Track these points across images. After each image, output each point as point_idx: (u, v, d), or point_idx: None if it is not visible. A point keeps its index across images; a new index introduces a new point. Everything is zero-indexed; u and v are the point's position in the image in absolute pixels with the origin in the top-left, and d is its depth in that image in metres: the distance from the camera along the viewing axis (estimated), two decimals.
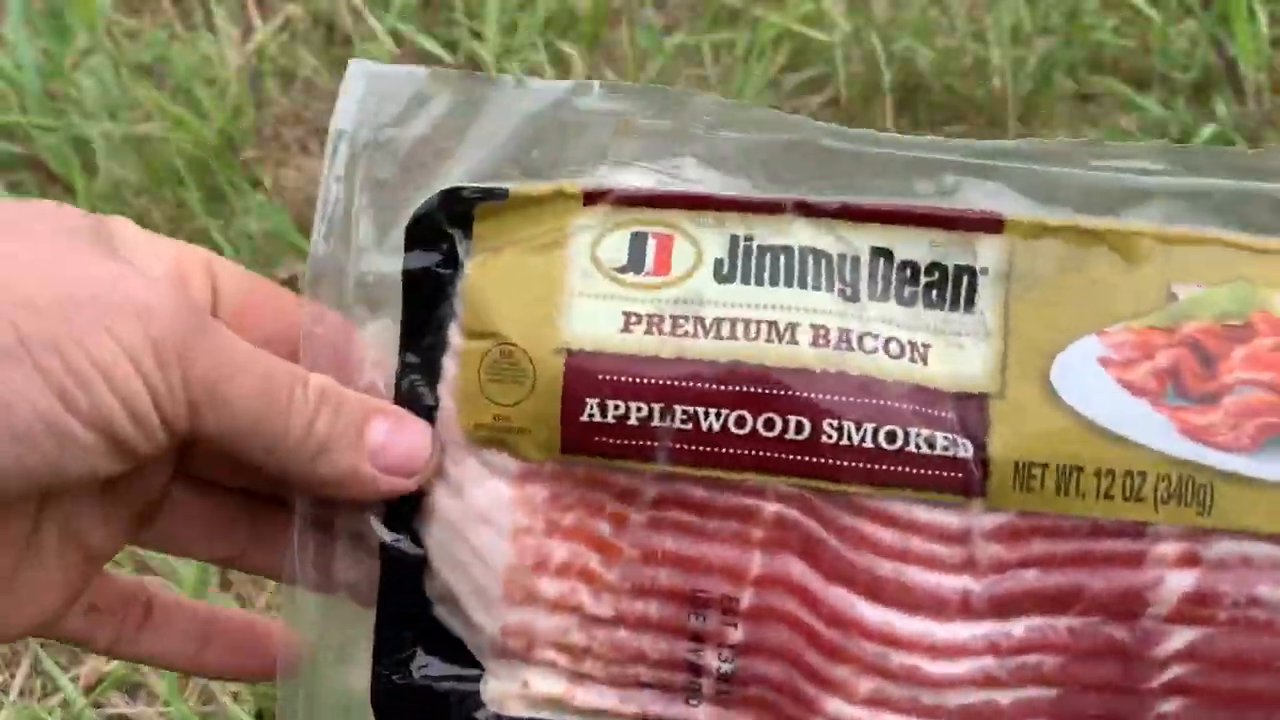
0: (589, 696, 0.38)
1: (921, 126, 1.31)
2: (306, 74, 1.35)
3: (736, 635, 0.36)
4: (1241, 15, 1.21)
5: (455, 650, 0.38)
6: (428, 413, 0.38)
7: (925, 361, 0.36)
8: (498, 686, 0.38)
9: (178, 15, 1.39)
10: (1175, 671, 0.35)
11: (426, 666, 0.38)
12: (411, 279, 0.38)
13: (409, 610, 0.38)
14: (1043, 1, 1.35)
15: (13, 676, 0.87)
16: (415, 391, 0.38)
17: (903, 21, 1.34)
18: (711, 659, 0.37)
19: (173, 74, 1.30)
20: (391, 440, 0.37)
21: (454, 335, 0.38)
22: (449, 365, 0.37)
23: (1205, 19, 1.29)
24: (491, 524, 0.37)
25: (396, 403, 0.38)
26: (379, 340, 0.38)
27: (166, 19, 1.39)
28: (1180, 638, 0.35)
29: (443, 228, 0.38)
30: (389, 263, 0.38)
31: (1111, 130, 1.26)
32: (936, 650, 0.36)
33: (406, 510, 0.38)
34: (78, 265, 0.33)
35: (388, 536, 0.38)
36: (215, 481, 0.40)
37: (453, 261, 0.38)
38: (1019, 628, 0.36)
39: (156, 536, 0.40)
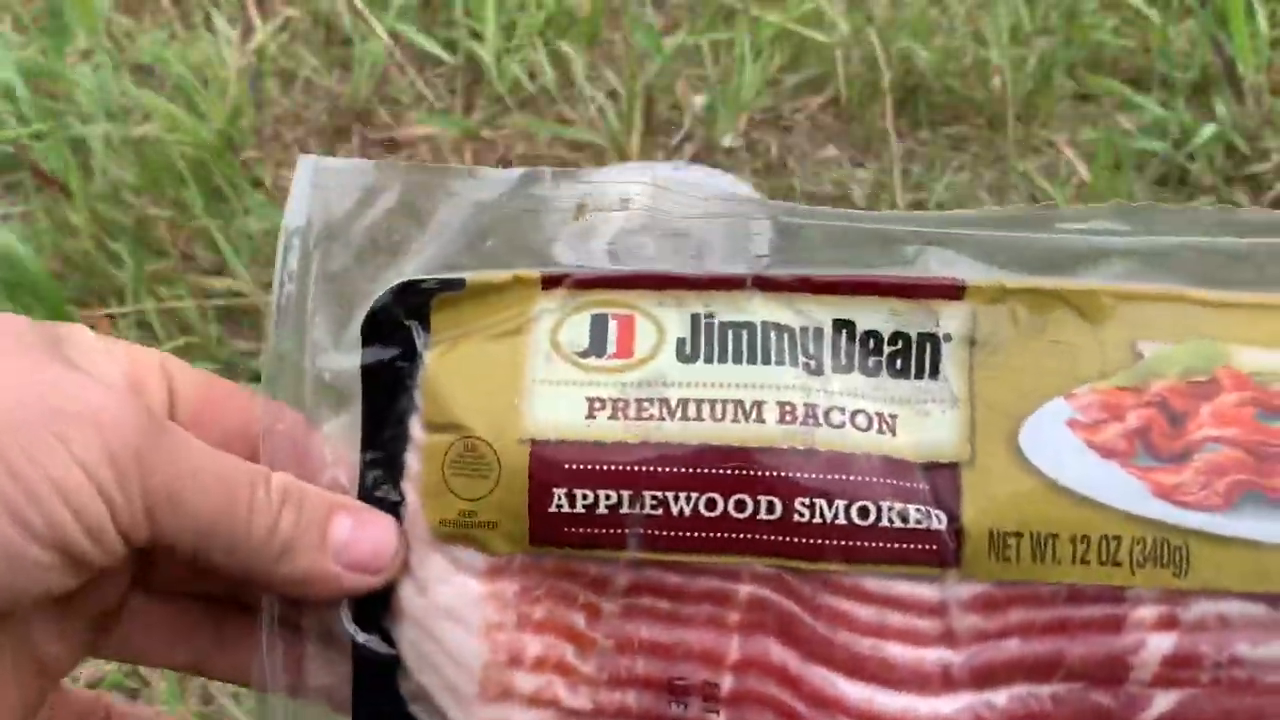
0: None
1: (921, 126, 1.31)
2: (306, 74, 1.35)
3: None
4: (1239, 15, 1.22)
5: None
6: (393, 509, 0.37)
7: (894, 432, 0.36)
8: None
9: (177, 15, 1.40)
10: None
11: None
12: (370, 374, 0.37)
13: (384, 711, 0.38)
14: (1042, 1, 1.35)
15: None
16: (379, 487, 0.37)
17: (902, 21, 1.35)
18: None
19: (172, 74, 1.30)
20: (355, 537, 0.36)
21: (416, 429, 0.37)
22: (412, 460, 0.37)
23: (1204, 19, 1.29)
24: (461, 621, 0.36)
25: (360, 499, 0.37)
26: (340, 437, 0.38)
27: (166, 19, 1.39)
28: (1164, 701, 0.35)
29: (400, 320, 0.37)
30: (347, 358, 0.37)
31: (1111, 130, 1.26)
32: None
33: (375, 609, 0.37)
34: (30, 375, 0.33)
35: (360, 637, 0.37)
36: (175, 588, 0.39)
37: (411, 354, 0.37)
38: (1002, 698, 0.35)
39: (115, 646, 0.39)
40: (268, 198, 1.23)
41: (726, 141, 1.33)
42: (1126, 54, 1.34)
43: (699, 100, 1.36)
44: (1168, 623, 0.34)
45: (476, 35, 1.38)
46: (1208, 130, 1.21)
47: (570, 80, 1.37)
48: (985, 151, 1.30)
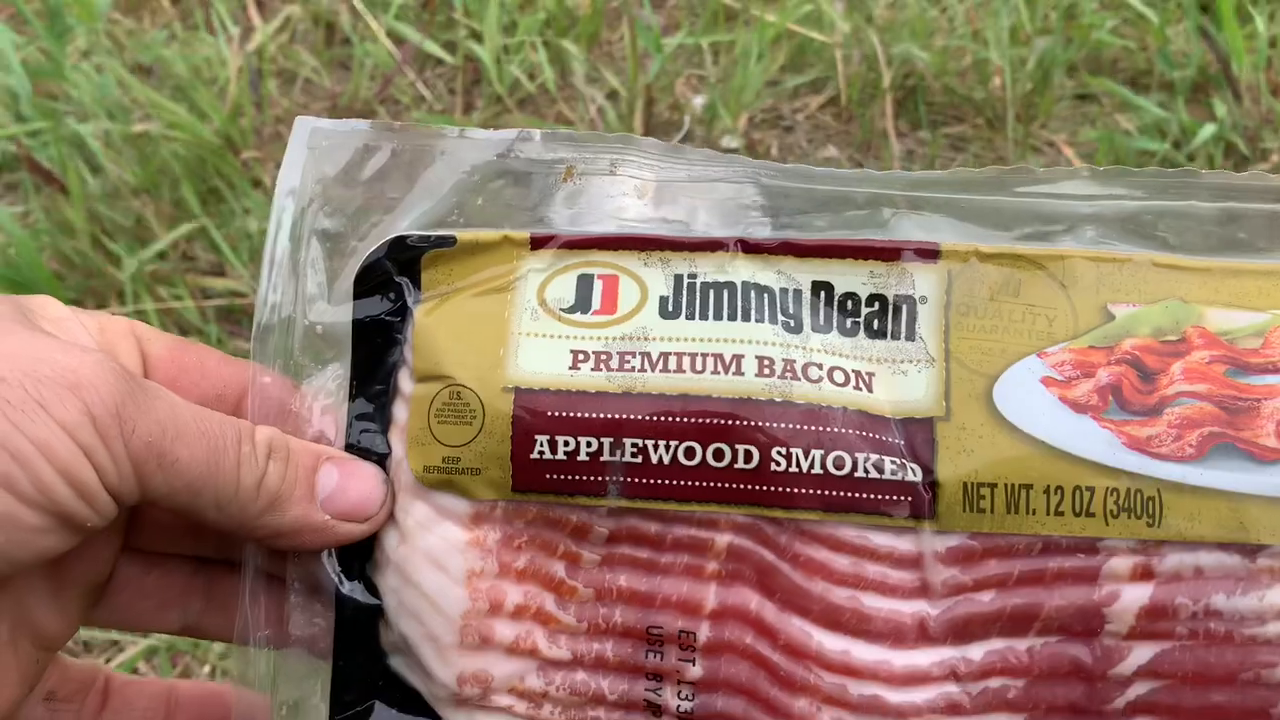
0: None
1: (921, 126, 1.31)
2: (306, 74, 1.36)
3: (695, 671, 0.36)
4: (1231, 16, 1.22)
5: (412, 702, 0.38)
6: (379, 460, 0.38)
7: (870, 389, 0.36)
8: None
9: (178, 15, 1.40)
10: (1138, 690, 0.35)
11: None
12: (361, 327, 0.38)
13: (365, 663, 0.38)
14: (1042, 1, 1.36)
15: None
16: (366, 438, 0.38)
17: (902, 22, 1.35)
18: (671, 697, 0.37)
19: (172, 74, 1.31)
20: (342, 486, 0.37)
21: (404, 381, 0.38)
22: (399, 411, 0.38)
23: (1199, 20, 1.30)
24: (444, 569, 0.37)
25: (347, 450, 0.38)
26: (329, 389, 0.38)
27: (166, 19, 1.40)
28: (1141, 654, 0.35)
29: (391, 275, 0.38)
30: (338, 312, 0.38)
31: (1111, 130, 1.26)
32: (896, 678, 0.36)
33: (359, 560, 0.38)
34: (3, 345, 0.33)
35: (344, 585, 0.38)
36: (163, 551, 0.40)
37: (401, 309, 0.38)
38: (978, 651, 0.36)
39: (108, 614, 0.39)
40: (267, 198, 1.24)
41: (726, 142, 1.34)
42: (1126, 54, 1.35)
43: (699, 100, 1.37)
44: (1143, 573, 0.35)
45: (476, 35, 1.39)
46: (1207, 130, 1.22)
47: (570, 80, 1.38)
48: (985, 151, 1.30)
